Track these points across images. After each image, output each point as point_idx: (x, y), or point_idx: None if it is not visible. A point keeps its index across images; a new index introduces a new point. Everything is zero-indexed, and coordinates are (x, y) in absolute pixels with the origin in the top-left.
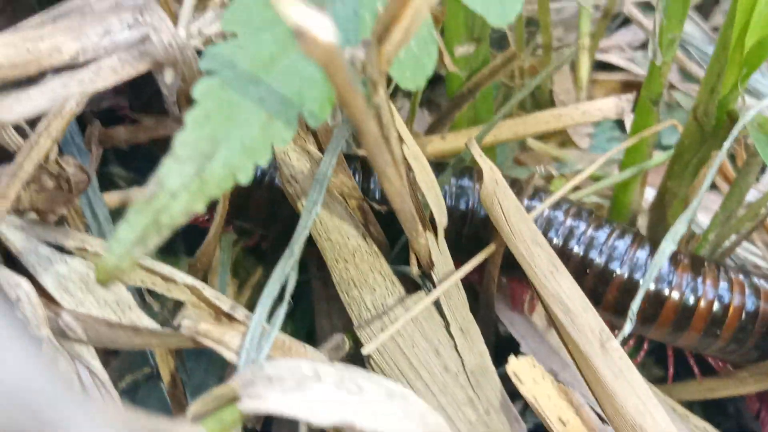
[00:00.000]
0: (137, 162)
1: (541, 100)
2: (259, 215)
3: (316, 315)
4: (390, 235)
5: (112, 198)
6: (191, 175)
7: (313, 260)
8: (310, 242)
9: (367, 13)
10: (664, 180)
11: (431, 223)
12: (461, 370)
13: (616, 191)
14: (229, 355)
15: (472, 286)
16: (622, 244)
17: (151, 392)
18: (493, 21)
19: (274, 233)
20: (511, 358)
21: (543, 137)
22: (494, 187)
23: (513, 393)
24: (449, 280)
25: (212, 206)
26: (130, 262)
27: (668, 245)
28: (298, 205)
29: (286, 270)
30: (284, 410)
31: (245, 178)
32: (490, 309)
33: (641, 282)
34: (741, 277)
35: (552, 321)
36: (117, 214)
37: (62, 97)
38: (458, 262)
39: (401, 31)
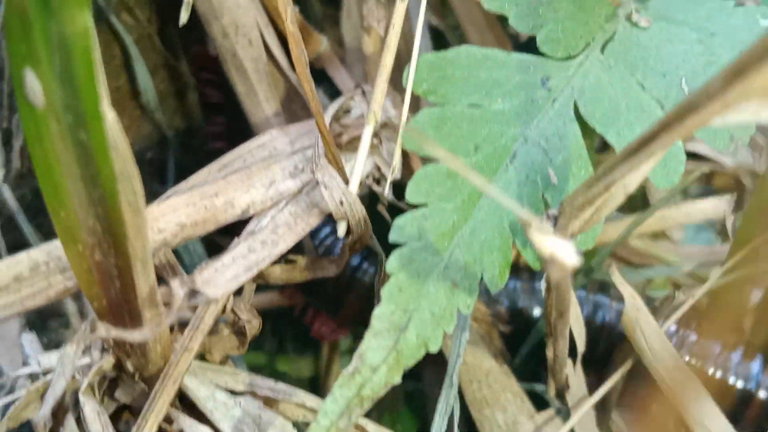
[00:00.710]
0: None
1: (635, 193)
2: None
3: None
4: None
5: None
6: (389, 348)
7: (426, 368)
8: None
9: (538, 177)
10: None
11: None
12: None
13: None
14: None
15: None
16: (756, 366)
17: None
18: (659, 184)
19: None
20: None
21: None
22: (636, 314)
23: None
24: (585, 405)
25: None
26: None
27: None
28: None
29: (450, 402)
30: None
31: (435, 347)
32: (607, 416)
33: None
34: None
35: None
36: None
37: (254, 263)
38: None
39: (593, 212)
